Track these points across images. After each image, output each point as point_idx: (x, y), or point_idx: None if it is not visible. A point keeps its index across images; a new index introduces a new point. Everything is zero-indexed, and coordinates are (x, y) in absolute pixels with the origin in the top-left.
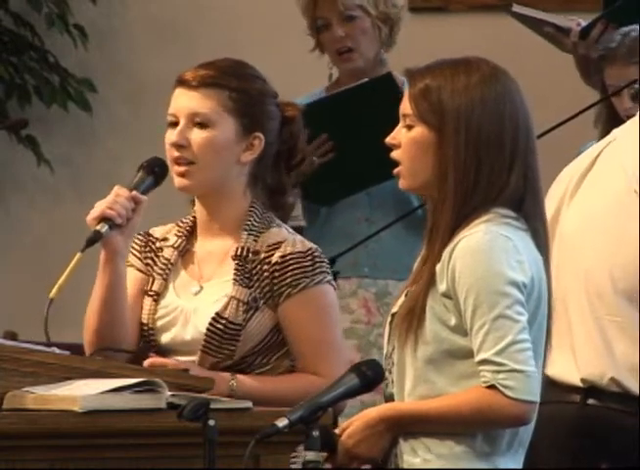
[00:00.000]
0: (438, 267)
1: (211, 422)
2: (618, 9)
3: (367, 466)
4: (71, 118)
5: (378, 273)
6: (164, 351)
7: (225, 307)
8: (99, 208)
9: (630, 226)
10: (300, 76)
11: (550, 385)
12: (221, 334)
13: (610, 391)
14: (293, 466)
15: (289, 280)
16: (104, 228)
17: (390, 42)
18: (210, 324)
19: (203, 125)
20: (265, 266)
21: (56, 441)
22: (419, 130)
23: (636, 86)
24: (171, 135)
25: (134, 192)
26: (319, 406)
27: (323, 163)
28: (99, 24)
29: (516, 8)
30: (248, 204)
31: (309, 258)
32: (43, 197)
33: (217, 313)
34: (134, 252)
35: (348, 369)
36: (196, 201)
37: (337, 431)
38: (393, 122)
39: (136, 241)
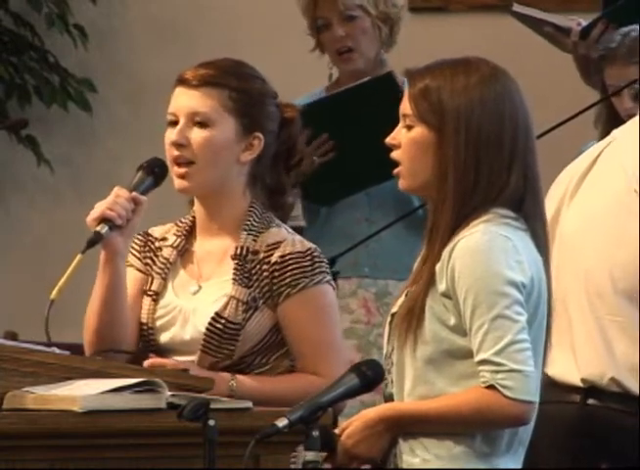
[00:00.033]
0: (438, 267)
1: (211, 422)
2: (619, 9)
3: (366, 466)
4: (71, 118)
5: (378, 273)
6: (164, 350)
7: (225, 307)
8: (99, 209)
9: (630, 226)
10: (300, 76)
11: (550, 385)
12: (220, 334)
13: (610, 391)
14: (292, 466)
15: (288, 280)
16: (104, 229)
17: (391, 42)
18: (210, 324)
19: (203, 125)
20: (265, 266)
21: (56, 441)
22: (419, 130)
23: (636, 86)
24: (171, 134)
25: (134, 193)
26: (319, 406)
27: (323, 162)
28: (99, 24)
29: (516, 8)
30: (247, 204)
31: (309, 258)
32: (43, 197)
33: (217, 313)
34: (133, 251)
35: (348, 369)
36: (195, 201)
37: (336, 431)
38: (394, 122)
39: (135, 241)
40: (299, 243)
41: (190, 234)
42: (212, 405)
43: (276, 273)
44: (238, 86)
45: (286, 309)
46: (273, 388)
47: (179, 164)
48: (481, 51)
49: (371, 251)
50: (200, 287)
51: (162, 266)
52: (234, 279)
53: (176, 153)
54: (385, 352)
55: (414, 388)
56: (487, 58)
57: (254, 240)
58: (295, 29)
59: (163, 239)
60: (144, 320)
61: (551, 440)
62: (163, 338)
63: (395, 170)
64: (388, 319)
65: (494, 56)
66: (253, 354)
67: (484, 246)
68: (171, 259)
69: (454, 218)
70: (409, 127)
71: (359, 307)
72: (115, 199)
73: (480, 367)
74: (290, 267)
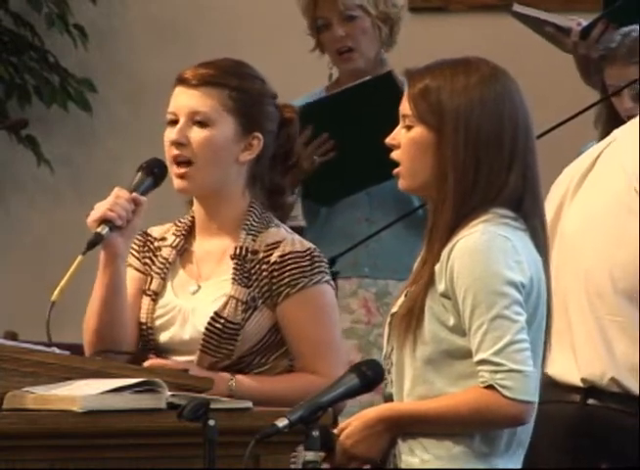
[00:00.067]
0: (437, 267)
1: (211, 422)
2: (619, 9)
3: (366, 466)
4: (71, 118)
5: (378, 273)
6: (163, 350)
7: (224, 307)
8: (99, 209)
9: (630, 226)
10: (300, 76)
11: (550, 385)
12: (220, 333)
13: (610, 391)
14: (292, 466)
15: (287, 280)
16: (104, 230)
17: (391, 42)
18: (209, 323)
19: (202, 124)
20: (264, 266)
21: (56, 441)
22: (418, 131)
23: (636, 86)
24: (171, 133)
25: (134, 194)
26: (319, 406)
27: (324, 162)
28: (99, 24)
29: (516, 8)
30: (246, 204)
31: (308, 257)
32: (43, 197)
33: (216, 313)
34: (132, 252)
35: (348, 369)
36: (194, 201)
37: (335, 431)
38: (394, 122)
39: (134, 241)
40: (299, 243)
41: (189, 234)
42: (212, 405)
43: (275, 273)
44: (238, 86)
45: (285, 309)
46: (272, 388)
47: (178, 165)
48: (481, 51)
49: (371, 251)
50: (199, 287)
51: (162, 266)
52: (233, 279)
53: (176, 152)
54: (384, 352)
55: (413, 388)
56: (487, 58)
57: (254, 240)
58: (295, 29)
59: (162, 239)
60: (143, 320)
61: (551, 440)
62: (163, 338)
63: (395, 170)
64: (388, 319)
65: (494, 56)
66: (253, 354)
67: (483, 246)
68: (170, 259)
69: (454, 218)
70: (409, 127)
71: (359, 307)
72: (116, 200)
73: (480, 367)
74: (289, 267)
